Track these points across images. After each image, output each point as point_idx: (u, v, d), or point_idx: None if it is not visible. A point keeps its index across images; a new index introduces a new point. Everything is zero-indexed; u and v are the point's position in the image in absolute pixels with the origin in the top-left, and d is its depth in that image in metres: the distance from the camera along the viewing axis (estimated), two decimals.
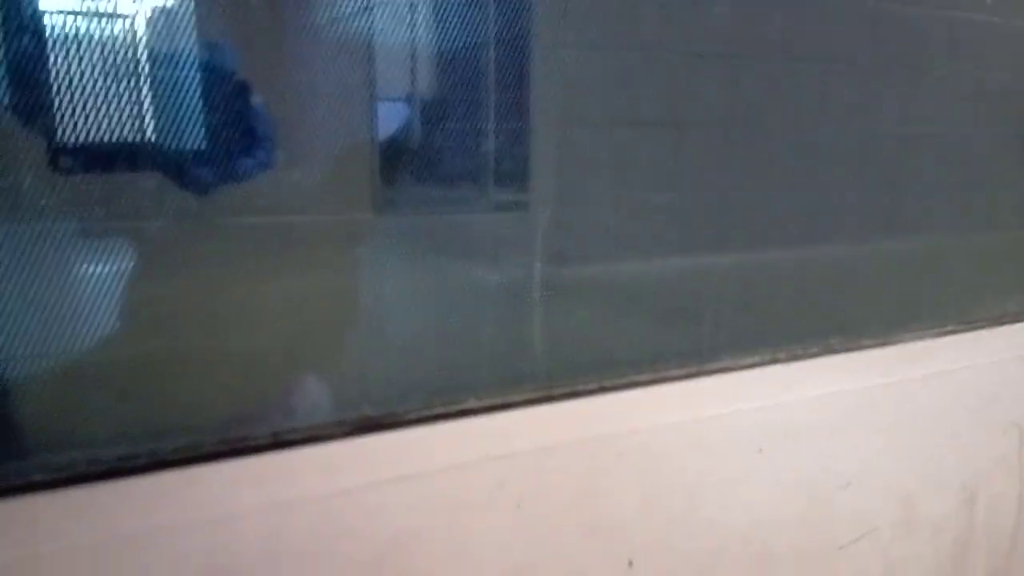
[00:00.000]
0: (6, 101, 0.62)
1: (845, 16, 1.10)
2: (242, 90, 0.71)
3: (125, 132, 0.67)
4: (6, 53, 0.61)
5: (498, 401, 0.85)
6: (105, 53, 0.65)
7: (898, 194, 1.23)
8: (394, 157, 0.83)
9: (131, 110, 0.67)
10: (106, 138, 0.66)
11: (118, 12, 0.64)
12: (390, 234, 0.87)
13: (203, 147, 0.70)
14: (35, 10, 0.62)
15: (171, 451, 0.68)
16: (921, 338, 1.16)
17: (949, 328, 1.20)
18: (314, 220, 0.79)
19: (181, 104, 0.68)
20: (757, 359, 1.00)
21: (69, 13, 0.63)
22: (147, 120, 0.68)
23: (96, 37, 0.64)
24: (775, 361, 1.02)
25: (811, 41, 1.08)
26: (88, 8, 0.63)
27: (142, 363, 0.72)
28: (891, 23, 1.15)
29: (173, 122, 0.69)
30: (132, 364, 0.72)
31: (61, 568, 0.64)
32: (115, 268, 0.69)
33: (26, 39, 0.62)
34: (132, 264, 0.70)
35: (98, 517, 0.65)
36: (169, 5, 0.67)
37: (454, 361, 0.88)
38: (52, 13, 0.62)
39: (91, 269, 0.69)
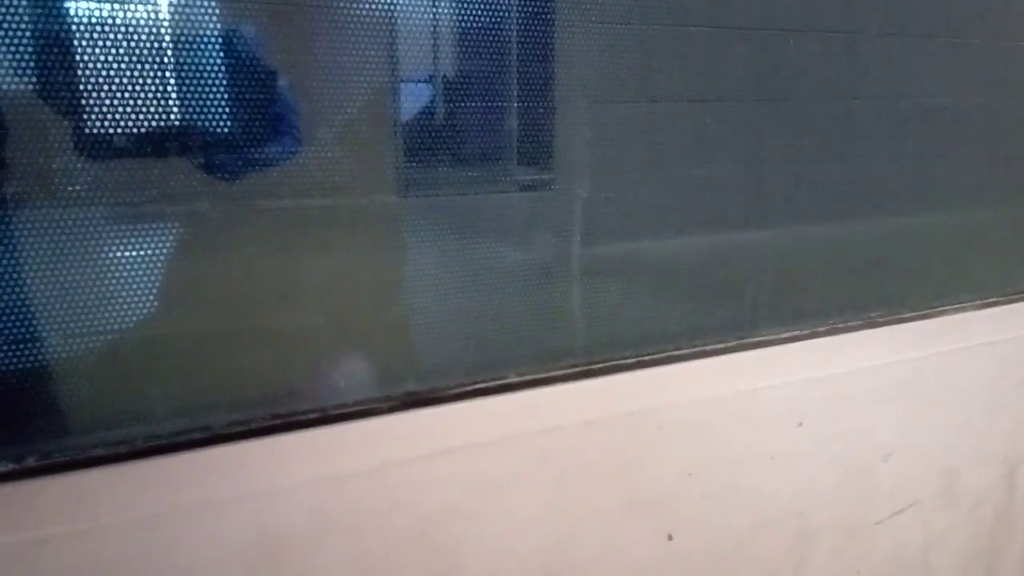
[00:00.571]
0: (36, 87, 0.63)
1: None
2: (268, 75, 0.71)
3: (153, 118, 0.68)
4: (38, 40, 0.62)
5: (539, 376, 0.86)
6: (131, 40, 0.65)
7: (938, 165, 1.21)
8: (425, 139, 0.83)
9: (159, 96, 0.67)
10: (132, 124, 0.67)
11: None
12: (425, 214, 0.87)
13: (231, 133, 0.71)
14: None
15: (224, 426, 0.70)
16: (962, 310, 1.15)
17: (991, 300, 1.18)
18: (348, 202, 0.80)
19: (209, 90, 0.69)
20: (798, 332, 1.00)
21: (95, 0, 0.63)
22: (175, 106, 0.69)
23: (120, 22, 0.65)
24: (816, 334, 1.01)
25: (844, 11, 1.06)
26: None
27: (194, 342, 0.74)
28: None
29: (201, 108, 0.69)
30: (185, 343, 0.73)
31: (121, 539, 0.66)
32: (161, 250, 0.71)
33: (55, 26, 0.62)
34: (177, 246, 0.71)
35: (156, 490, 0.67)
36: None
37: (494, 338, 0.89)
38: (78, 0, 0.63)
39: (135, 252, 0.70)
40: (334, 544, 0.76)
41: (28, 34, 0.62)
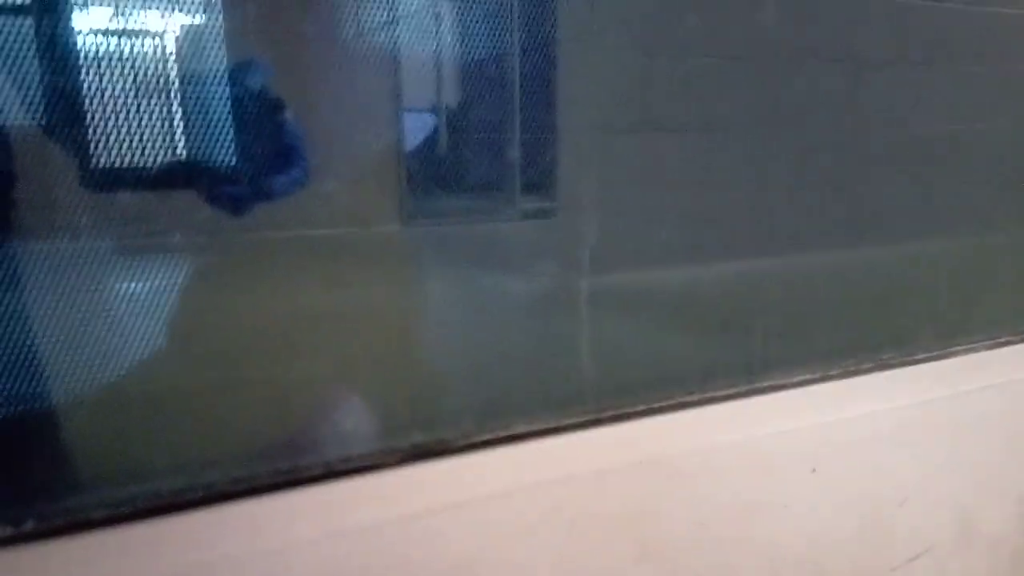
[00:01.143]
0: (43, 121, 0.62)
1: (880, 15, 1.07)
2: (274, 107, 0.71)
3: (158, 151, 0.67)
4: (44, 74, 0.62)
5: (548, 426, 0.84)
6: (137, 72, 0.65)
7: (945, 203, 1.20)
8: (427, 169, 0.82)
9: (165, 130, 0.67)
10: (139, 157, 0.67)
11: (148, 31, 0.65)
12: (426, 249, 0.87)
13: (238, 165, 0.71)
14: (70, 30, 0.63)
15: (226, 483, 0.68)
16: (975, 350, 1.13)
17: (1003, 339, 1.17)
18: (352, 235, 0.79)
19: (215, 123, 0.69)
20: (809, 376, 0.99)
21: (101, 33, 0.63)
22: (181, 139, 0.69)
23: (127, 56, 0.65)
24: (827, 378, 1.00)
25: (846, 41, 1.06)
26: (119, 28, 0.64)
27: (192, 396, 0.72)
28: (930, 19, 1.13)
29: (207, 141, 0.69)
30: (179, 396, 0.72)
31: None
32: (153, 290, 0.70)
33: (62, 60, 0.62)
34: (171, 299, 0.71)
35: (160, 551, 0.65)
36: (198, 24, 0.67)
37: (502, 387, 0.88)
38: (85, 33, 0.63)
39: (133, 288, 0.69)
40: None
41: (37, 70, 0.61)
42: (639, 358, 0.97)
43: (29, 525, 0.62)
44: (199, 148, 0.70)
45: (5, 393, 0.64)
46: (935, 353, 1.09)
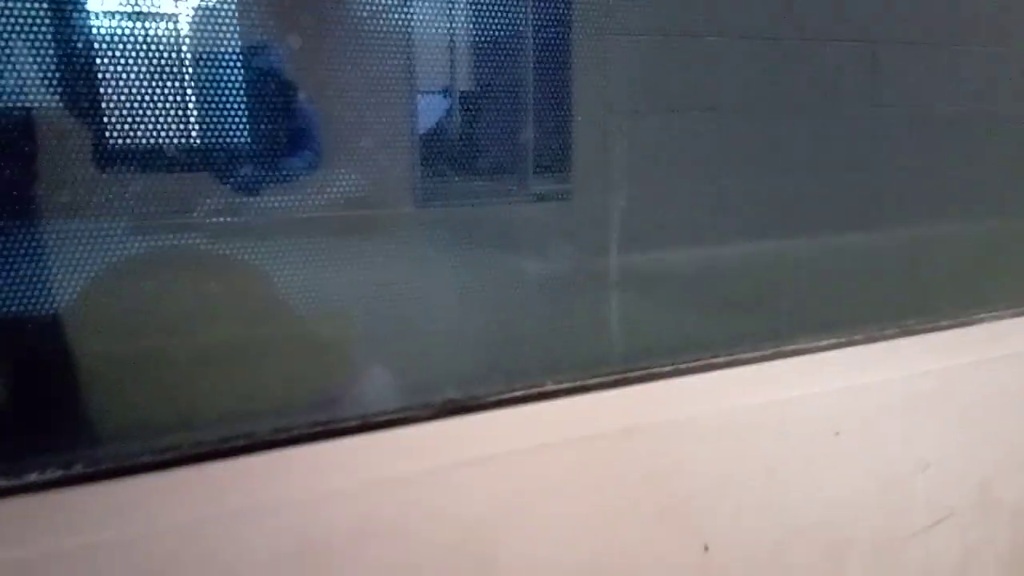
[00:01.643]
0: (55, 102, 0.64)
1: None
2: (288, 88, 0.72)
3: (173, 132, 0.68)
4: (59, 55, 0.63)
5: (576, 384, 0.85)
6: (153, 55, 0.66)
7: (972, 172, 1.20)
8: (457, 151, 0.84)
9: (178, 110, 0.68)
10: (154, 138, 0.68)
11: (162, 12, 0.66)
12: (458, 225, 0.88)
13: (253, 147, 0.72)
14: (83, 11, 0.64)
15: (267, 433, 0.70)
16: (999, 318, 1.13)
17: None
18: (382, 213, 0.81)
19: (229, 104, 0.70)
20: (834, 340, 0.99)
21: (116, 14, 0.64)
22: (196, 121, 0.70)
23: (143, 38, 0.65)
24: (852, 343, 1.00)
25: (862, 19, 1.06)
26: (132, 9, 0.65)
27: (235, 351, 0.74)
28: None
29: (222, 122, 0.70)
30: (227, 352, 0.74)
31: (167, 545, 0.66)
32: (201, 260, 0.71)
33: (78, 41, 0.63)
34: (217, 256, 0.72)
35: (200, 496, 0.67)
36: (212, 5, 0.68)
37: (532, 346, 0.89)
38: (99, 14, 0.64)
39: (177, 260, 0.71)
40: (375, 551, 0.76)
41: (59, 50, 0.63)
42: (667, 324, 0.98)
43: (79, 468, 0.64)
44: (213, 130, 0.70)
45: (58, 345, 0.66)
46: (959, 320, 1.09)
